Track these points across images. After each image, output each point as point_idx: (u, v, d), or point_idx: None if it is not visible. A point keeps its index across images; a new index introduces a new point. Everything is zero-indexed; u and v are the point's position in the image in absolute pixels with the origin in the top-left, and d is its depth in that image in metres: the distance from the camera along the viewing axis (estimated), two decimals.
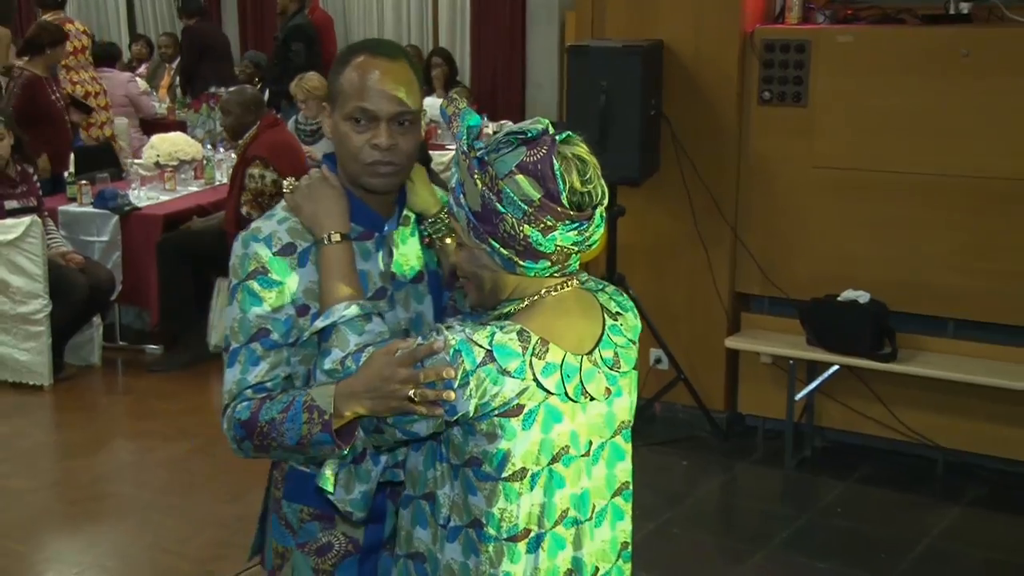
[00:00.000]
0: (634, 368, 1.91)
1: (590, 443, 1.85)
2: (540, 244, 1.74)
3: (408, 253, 2.12)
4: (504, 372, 1.72)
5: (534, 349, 1.75)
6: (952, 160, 4.66)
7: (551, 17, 9.76)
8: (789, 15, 4.99)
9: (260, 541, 2.28)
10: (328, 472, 1.92)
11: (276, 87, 9.20)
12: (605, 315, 1.88)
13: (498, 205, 1.73)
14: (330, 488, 1.92)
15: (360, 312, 1.91)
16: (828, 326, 4.78)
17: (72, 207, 6.59)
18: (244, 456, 1.99)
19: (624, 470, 1.92)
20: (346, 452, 1.87)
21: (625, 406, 1.90)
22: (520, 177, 1.72)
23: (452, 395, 1.71)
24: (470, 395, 1.72)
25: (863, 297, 4.74)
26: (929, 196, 4.72)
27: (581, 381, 1.80)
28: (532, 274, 1.79)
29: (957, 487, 4.73)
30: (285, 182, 2.10)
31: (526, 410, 1.75)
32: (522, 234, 1.73)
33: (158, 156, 7.22)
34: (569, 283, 1.84)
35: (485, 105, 9.32)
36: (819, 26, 4.93)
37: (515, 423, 1.75)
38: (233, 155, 6.58)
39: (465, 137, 1.80)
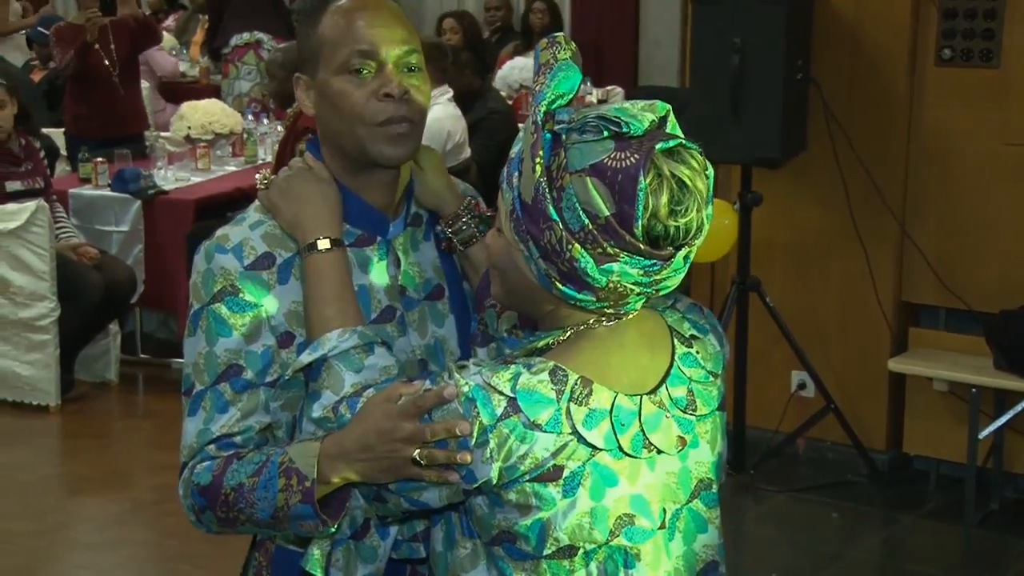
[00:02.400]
0: (719, 408, 1.81)
1: (664, 512, 1.74)
2: (588, 275, 1.63)
3: (421, 262, 2.05)
4: (533, 426, 1.63)
5: (572, 392, 1.66)
6: None
7: None
8: None
9: None
10: (317, 552, 1.84)
11: None
12: (675, 340, 1.78)
13: (550, 207, 1.62)
14: (319, 573, 1.84)
15: (359, 342, 1.83)
16: (1022, 346, 4.72)
17: (85, 190, 6.70)
18: (206, 531, 1.92)
19: (709, 547, 1.81)
20: (333, 529, 1.79)
21: (704, 460, 1.79)
22: (591, 180, 1.60)
23: (468, 457, 1.63)
24: (490, 457, 1.63)
25: None
26: None
27: (642, 429, 1.69)
28: (571, 303, 1.69)
29: None
30: (258, 176, 2.05)
31: (567, 472, 1.65)
32: (568, 254, 1.62)
33: (189, 128, 7.33)
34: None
35: (588, 68, 9.31)
36: None
37: (553, 490, 1.66)
38: (280, 128, 6.68)
39: (545, 101, 1.67)
